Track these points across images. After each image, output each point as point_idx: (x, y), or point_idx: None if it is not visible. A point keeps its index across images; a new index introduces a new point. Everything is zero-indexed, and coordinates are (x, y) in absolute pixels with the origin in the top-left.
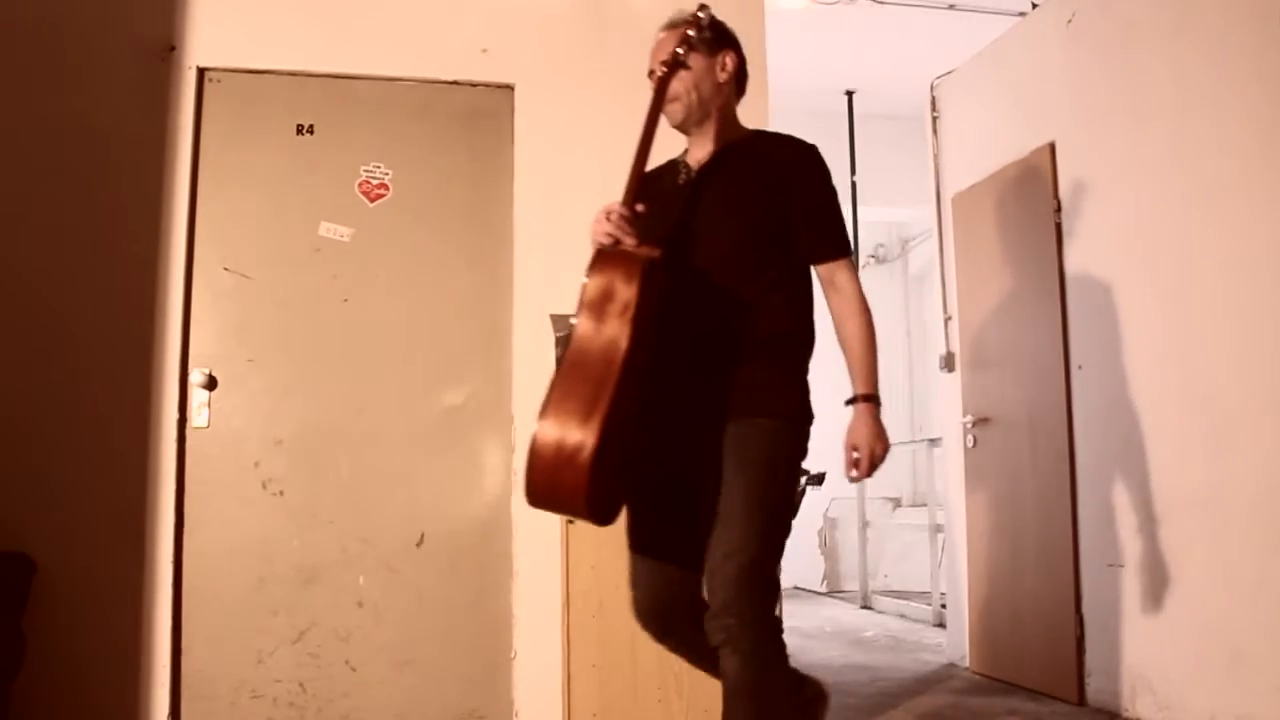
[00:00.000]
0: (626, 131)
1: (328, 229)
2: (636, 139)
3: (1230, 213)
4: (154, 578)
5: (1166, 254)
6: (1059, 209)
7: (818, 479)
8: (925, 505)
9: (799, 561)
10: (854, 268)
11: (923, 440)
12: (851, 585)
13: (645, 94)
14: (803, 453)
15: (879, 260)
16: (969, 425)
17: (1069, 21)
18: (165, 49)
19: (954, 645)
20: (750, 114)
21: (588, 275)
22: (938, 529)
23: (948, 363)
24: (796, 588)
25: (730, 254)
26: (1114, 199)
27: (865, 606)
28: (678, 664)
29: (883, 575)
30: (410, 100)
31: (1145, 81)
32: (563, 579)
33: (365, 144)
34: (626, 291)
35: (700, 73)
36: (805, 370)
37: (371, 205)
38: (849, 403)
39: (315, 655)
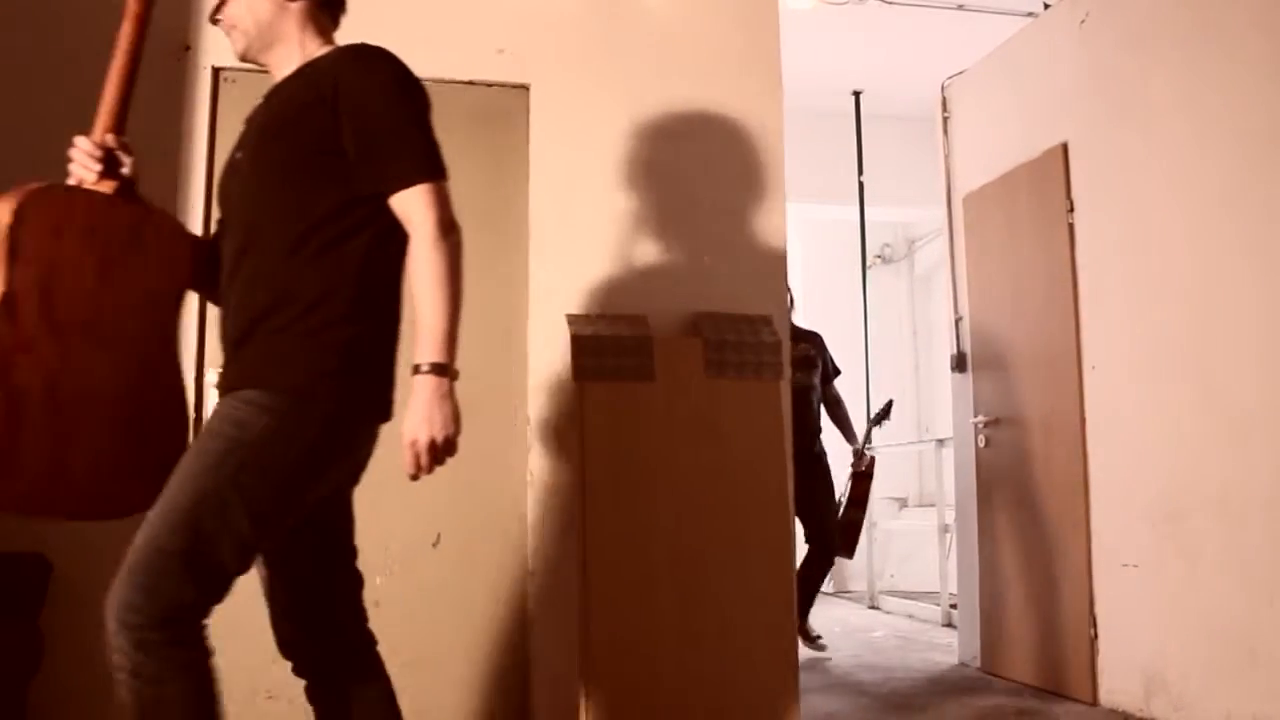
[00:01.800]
0: (643, 130)
1: None
2: (645, 136)
3: (1243, 213)
4: None
5: (1179, 254)
6: (1071, 209)
7: (884, 412)
8: (932, 505)
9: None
10: (437, 195)
11: (930, 441)
12: (858, 585)
13: (657, 93)
14: (300, 437)
15: (885, 260)
16: (980, 426)
17: (1081, 22)
18: (180, 48)
19: (965, 645)
20: (765, 113)
21: None
22: (946, 529)
23: (958, 363)
24: None
25: (257, 203)
26: (1127, 199)
27: (873, 607)
28: (699, 668)
29: (889, 575)
30: None
31: (1158, 82)
32: (580, 579)
33: None
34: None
35: None
36: (334, 339)
37: None
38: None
39: None
